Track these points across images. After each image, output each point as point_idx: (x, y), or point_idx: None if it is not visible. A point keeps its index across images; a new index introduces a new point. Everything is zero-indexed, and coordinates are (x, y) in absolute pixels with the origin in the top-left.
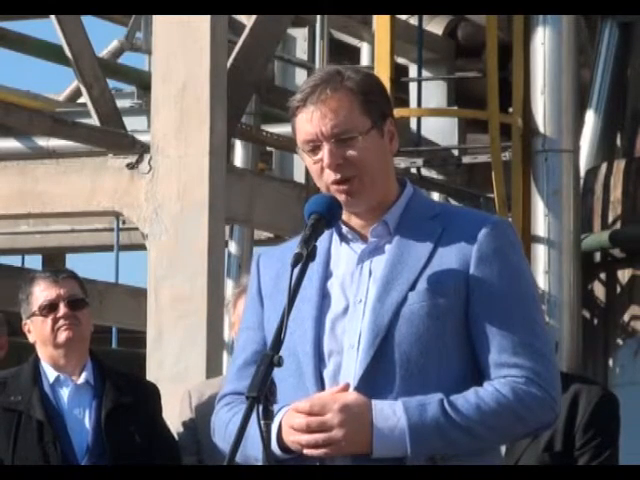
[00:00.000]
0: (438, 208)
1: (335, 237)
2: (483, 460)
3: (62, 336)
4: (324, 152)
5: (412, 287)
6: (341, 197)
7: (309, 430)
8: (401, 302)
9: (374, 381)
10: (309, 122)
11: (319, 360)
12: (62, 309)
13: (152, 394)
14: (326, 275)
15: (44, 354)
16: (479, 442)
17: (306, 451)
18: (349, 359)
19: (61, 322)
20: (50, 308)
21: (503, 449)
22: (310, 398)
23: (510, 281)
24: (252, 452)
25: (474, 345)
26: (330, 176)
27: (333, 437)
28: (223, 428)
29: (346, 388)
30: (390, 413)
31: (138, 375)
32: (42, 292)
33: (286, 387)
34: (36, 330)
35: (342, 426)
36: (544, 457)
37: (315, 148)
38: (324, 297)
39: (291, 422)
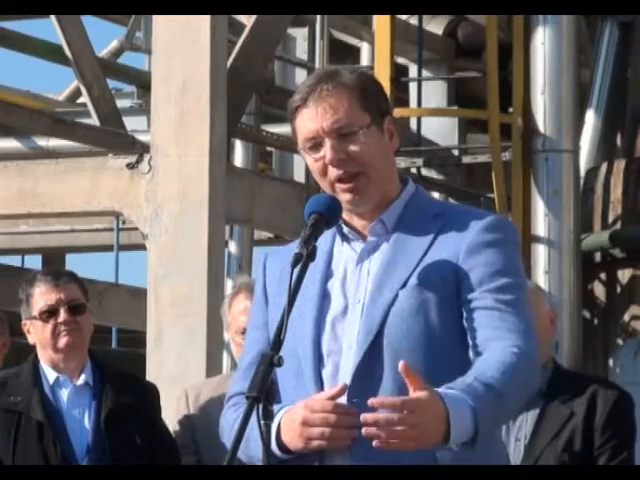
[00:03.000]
0: (440, 207)
1: (337, 237)
2: (492, 449)
3: (62, 341)
4: (326, 148)
5: (403, 285)
6: (346, 196)
7: (401, 424)
8: (392, 301)
9: (365, 379)
10: (309, 120)
11: (318, 361)
12: (62, 315)
13: (151, 394)
14: (327, 275)
15: (44, 356)
16: (507, 411)
17: (390, 443)
18: (347, 359)
19: (61, 328)
20: (50, 313)
21: (513, 449)
22: (401, 397)
23: (497, 263)
24: (255, 452)
25: (467, 329)
26: (334, 173)
27: (421, 434)
28: (229, 429)
29: (343, 389)
30: (456, 398)
31: (137, 375)
32: (42, 296)
33: (288, 388)
34: (36, 333)
35: (426, 423)
36: (563, 457)
37: (316, 145)
38: (324, 297)
39: (365, 415)
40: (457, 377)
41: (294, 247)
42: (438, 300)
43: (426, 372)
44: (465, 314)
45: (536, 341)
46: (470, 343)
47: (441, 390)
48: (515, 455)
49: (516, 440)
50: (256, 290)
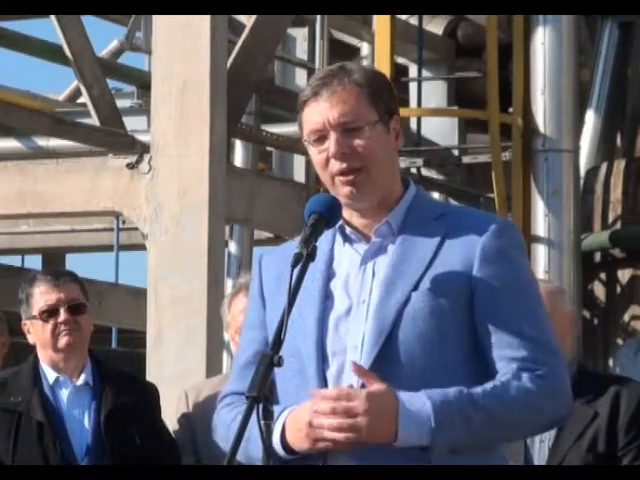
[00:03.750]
0: (442, 209)
1: (338, 237)
2: (493, 456)
3: (62, 341)
4: (330, 141)
5: (415, 287)
6: (346, 190)
7: (334, 414)
8: (404, 303)
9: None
10: (317, 113)
11: (322, 361)
12: (63, 314)
13: (151, 394)
14: (329, 276)
15: (44, 356)
16: (498, 430)
17: (327, 434)
18: (353, 359)
19: (62, 327)
20: (50, 313)
21: (537, 451)
22: (339, 388)
23: (513, 278)
24: (255, 453)
25: (482, 342)
26: (335, 166)
27: (358, 424)
28: (225, 428)
29: None
30: (414, 399)
31: (137, 375)
32: (42, 295)
33: (289, 388)
34: (36, 333)
35: (367, 414)
36: (588, 457)
37: (321, 138)
38: (327, 298)
39: (314, 406)
40: (470, 381)
41: (291, 246)
42: (451, 305)
43: (439, 375)
44: (480, 327)
45: (556, 353)
46: (496, 369)
47: (403, 392)
48: (540, 456)
49: (540, 442)
50: (252, 290)
